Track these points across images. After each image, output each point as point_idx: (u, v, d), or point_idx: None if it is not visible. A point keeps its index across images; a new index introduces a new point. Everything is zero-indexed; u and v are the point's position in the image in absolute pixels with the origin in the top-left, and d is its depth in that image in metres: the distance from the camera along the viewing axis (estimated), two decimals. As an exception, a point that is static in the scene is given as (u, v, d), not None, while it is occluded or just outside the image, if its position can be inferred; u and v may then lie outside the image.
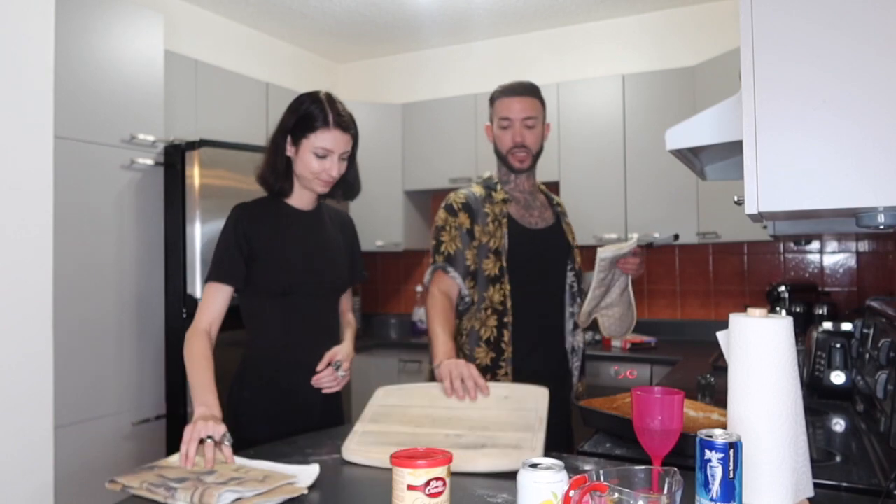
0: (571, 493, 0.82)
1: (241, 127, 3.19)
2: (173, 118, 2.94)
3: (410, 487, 0.92)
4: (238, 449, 1.33)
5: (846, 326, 1.93)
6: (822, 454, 1.38)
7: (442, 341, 1.73)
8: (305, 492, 1.13)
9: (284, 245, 1.67)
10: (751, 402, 0.97)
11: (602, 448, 1.43)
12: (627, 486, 0.86)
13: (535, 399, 1.46)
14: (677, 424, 0.97)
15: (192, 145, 2.73)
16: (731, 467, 0.89)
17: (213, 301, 1.61)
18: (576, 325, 2.00)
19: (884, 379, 1.41)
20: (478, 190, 1.99)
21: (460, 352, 1.89)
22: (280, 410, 1.66)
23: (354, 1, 3.52)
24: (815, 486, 1.02)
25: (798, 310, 2.94)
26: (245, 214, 1.66)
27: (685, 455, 1.08)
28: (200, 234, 2.70)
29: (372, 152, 3.95)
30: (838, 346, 1.87)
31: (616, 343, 3.35)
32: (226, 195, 2.73)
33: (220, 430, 1.30)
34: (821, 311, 2.87)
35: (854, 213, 1.01)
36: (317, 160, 1.62)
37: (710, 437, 0.91)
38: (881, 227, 0.98)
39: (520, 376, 1.85)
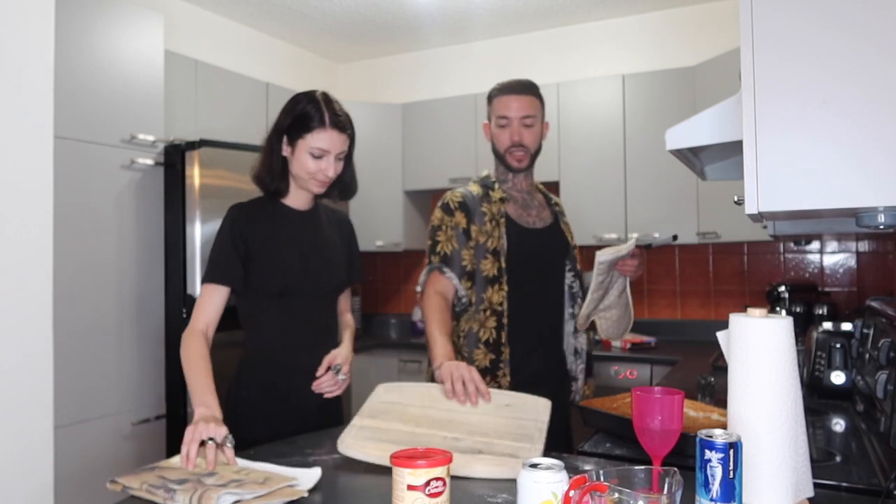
0: (571, 493, 0.82)
1: (240, 127, 3.19)
2: (173, 118, 2.94)
3: (410, 487, 0.92)
4: (236, 450, 1.32)
5: (846, 326, 1.93)
6: (822, 454, 1.38)
7: (440, 342, 1.71)
8: (306, 494, 1.12)
9: (281, 245, 1.65)
10: (751, 402, 0.97)
11: (602, 448, 1.43)
12: (627, 486, 0.86)
13: (536, 410, 1.44)
14: (677, 424, 0.97)
15: (192, 145, 2.73)
16: (731, 467, 0.89)
17: (209, 302, 1.59)
18: (577, 328, 1.99)
19: (884, 379, 1.41)
20: (475, 189, 1.97)
21: (458, 354, 1.87)
22: (278, 412, 1.65)
23: (354, 1, 3.52)
24: (815, 486, 1.02)
25: (798, 310, 2.94)
26: (241, 215, 1.65)
27: (685, 455, 1.08)
28: (200, 234, 2.70)
29: (372, 152, 3.96)
30: (838, 346, 1.87)
31: (616, 343, 3.35)
32: (226, 195, 2.72)
33: (221, 431, 1.29)
34: (821, 311, 2.87)
35: (854, 213, 1.01)
36: (313, 160, 1.61)
37: (710, 437, 0.91)
38: (881, 227, 0.98)
39: (519, 377, 1.84)
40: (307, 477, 1.19)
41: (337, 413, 1.76)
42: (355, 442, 1.33)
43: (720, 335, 1.05)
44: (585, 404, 1.59)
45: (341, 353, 1.71)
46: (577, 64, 3.91)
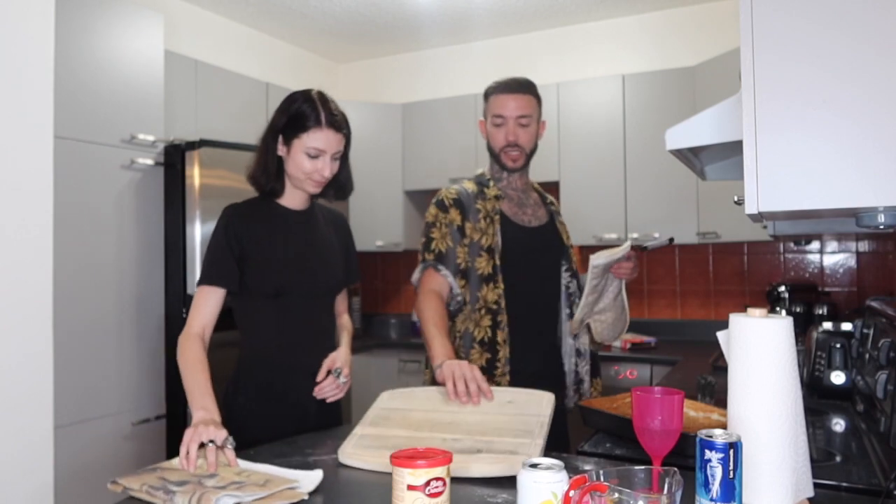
0: (571, 493, 0.82)
1: (240, 127, 3.19)
2: (173, 118, 2.94)
3: (410, 487, 0.92)
4: (235, 451, 1.31)
5: (846, 326, 1.92)
6: (822, 454, 1.38)
7: (439, 341, 1.69)
8: (306, 497, 1.12)
9: (276, 245, 1.64)
10: (751, 402, 0.97)
11: (602, 448, 1.43)
12: (627, 486, 0.86)
13: (538, 404, 1.43)
14: (677, 424, 0.97)
15: (192, 145, 2.73)
16: (731, 467, 0.89)
17: (205, 304, 1.58)
18: (571, 331, 1.96)
19: (884, 379, 1.41)
20: (470, 186, 1.95)
21: (456, 354, 1.86)
22: (276, 413, 1.63)
23: (354, 1, 3.52)
24: (815, 486, 1.02)
25: (798, 310, 2.95)
26: (235, 215, 1.63)
27: (685, 455, 1.08)
28: (200, 234, 2.70)
29: (372, 152, 3.96)
30: (838, 346, 1.87)
31: (616, 343, 3.35)
32: (226, 195, 2.72)
33: (221, 434, 1.28)
34: (821, 311, 2.87)
35: (854, 213, 1.01)
36: (309, 160, 1.59)
37: (710, 437, 0.91)
38: (881, 227, 0.98)
39: (517, 377, 1.82)
40: (308, 479, 1.18)
41: (336, 414, 1.74)
42: (355, 451, 1.32)
43: (720, 335, 1.05)
44: (585, 404, 1.59)
45: (340, 357, 1.69)
46: (577, 64, 3.91)
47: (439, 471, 0.93)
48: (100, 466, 2.43)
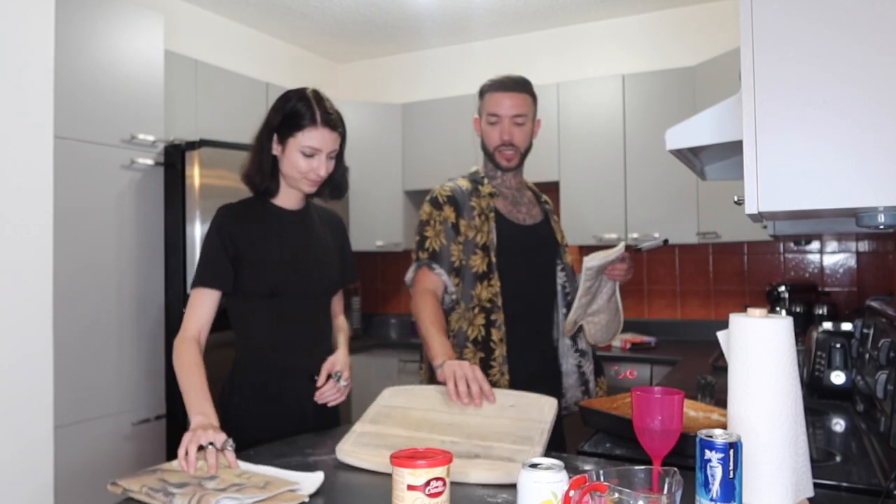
0: (571, 493, 0.82)
1: (240, 127, 3.18)
2: (173, 118, 2.94)
3: (410, 487, 0.92)
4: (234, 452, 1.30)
5: (846, 326, 1.92)
6: (822, 454, 1.38)
7: (438, 340, 1.67)
8: (306, 499, 1.11)
9: (271, 245, 1.62)
10: (751, 402, 0.97)
11: (602, 448, 1.43)
12: (627, 486, 0.86)
13: (539, 410, 1.41)
14: (677, 424, 0.97)
15: (192, 145, 2.73)
16: (731, 467, 0.89)
17: (200, 306, 1.56)
18: (564, 333, 1.94)
19: (884, 379, 1.41)
20: (464, 183, 1.92)
21: (455, 353, 1.82)
22: (272, 415, 1.61)
23: (354, 1, 3.52)
24: (815, 486, 1.02)
25: (798, 310, 2.95)
26: (228, 216, 1.62)
27: (685, 455, 1.08)
28: (200, 234, 2.70)
29: (372, 152, 3.96)
30: (838, 346, 1.87)
31: (616, 343, 3.36)
32: (226, 195, 2.70)
33: (220, 437, 1.28)
34: (821, 311, 2.87)
35: (854, 213, 1.01)
36: (304, 159, 1.57)
37: (710, 437, 0.91)
38: (881, 227, 0.98)
39: (514, 377, 1.81)
40: (309, 481, 1.17)
41: (333, 415, 1.72)
42: (353, 449, 1.31)
43: (720, 335, 1.05)
44: (585, 404, 1.59)
45: (340, 360, 1.67)
46: (577, 64, 3.91)
47: (439, 471, 0.93)
48: (100, 466, 2.43)
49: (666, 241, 1.93)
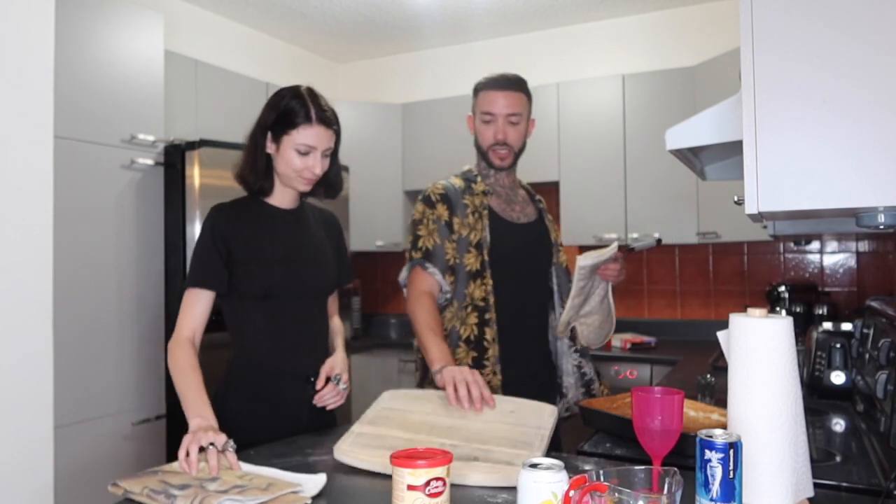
0: (571, 493, 0.82)
1: (240, 127, 3.15)
2: (173, 118, 2.94)
3: (410, 487, 0.92)
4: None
5: (846, 326, 1.92)
6: (822, 454, 1.38)
7: (436, 344, 1.65)
8: (309, 501, 1.10)
9: (265, 246, 1.60)
10: (751, 402, 0.97)
11: (602, 448, 1.43)
12: (627, 486, 0.86)
13: (539, 416, 1.41)
14: (677, 424, 0.97)
15: (192, 145, 2.73)
16: (731, 467, 0.89)
17: (194, 308, 1.53)
18: (557, 334, 1.92)
19: (884, 379, 1.41)
20: (457, 182, 1.90)
21: (453, 358, 1.79)
22: (268, 417, 1.58)
23: (354, 1, 3.52)
24: (815, 486, 1.02)
25: (798, 310, 2.95)
26: (221, 216, 1.59)
27: (685, 455, 1.08)
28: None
29: (372, 152, 3.96)
30: (838, 346, 1.87)
31: (616, 343, 3.36)
32: (226, 195, 2.69)
33: (221, 438, 1.27)
34: (821, 311, 2.87)
35: (854, 213, 1.02)
36: (299, 157, 1.55)
37: (710, 437, 0.91)
38: (881, 227, 0.98)
39: (508, 377, 1.79)
40: (312, 483, 1.16)
41: (330, 417, 1.69)
42: (351, 449, 1.31)
43: (720, 335, 1.05)
44: (585, 404, 1.59)
45: (338, 363, 1.65)
46: (577, 64, 3.91)
47: (439, 471, 0.93)
48: (100, 466, 2.43)
49: (659, 241, 1.92)
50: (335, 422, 1.73)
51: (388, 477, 0.96)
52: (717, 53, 3.23)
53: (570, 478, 0.87)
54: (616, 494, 0.80)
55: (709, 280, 3.60)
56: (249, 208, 1.64)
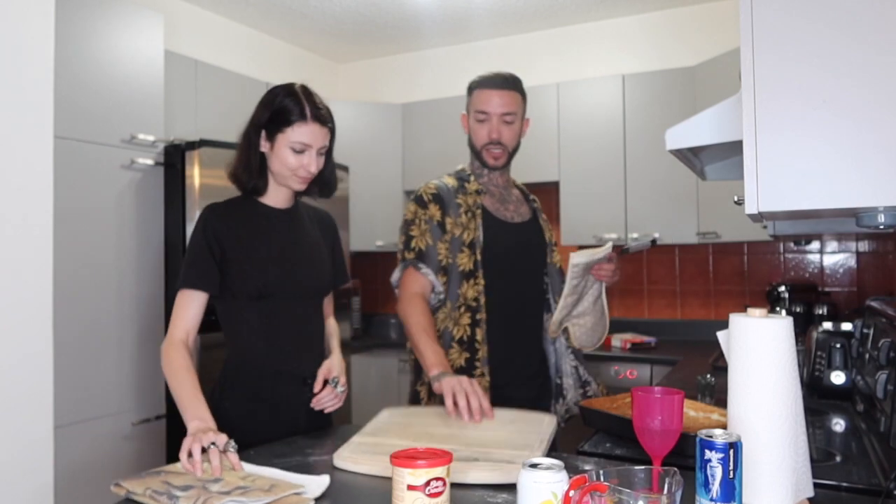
0: (571, 493, 0.82)
1: (240, 127, 3.19)
2: (173, 118, 2.94)
3: (410, 487, 0.92)
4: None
5: (846, 326, 1.92)
6: (822, 454, 1.38)
7: (432, 349, 1.63)
8: (312, 503, 1.10)
9: (260, 246, 1.58)
10: (751, 402, 0.97)
11: (602, 448, 1.43)
12: (627, 486, 0.86)
13: (539, 423, 1.41)
14: (677, 424, 0.97)
15: (192, 145, 2.73)
16: (731, 467, 0.89)
17: (187, 309, 1.52)
18: (549, 335, 1.90)
19: (884, 379, 1.41)
20: (450, 181, 1.89)
21: (447, 361, 1.75)
22: (264, 420, 1.56)
23: (354, 1, 3.52)
24: (815, 486, 1.02)
25: (798, 310, 2.95)
26: (214, 216, 1.57)
27: (685, 455, 1.08)
28: (200, 234, 2.70)
29: (372, 152, 3.96)
30: (838, 346, 1.87)
31: (616, 343, 3.36)
32: (225, 195, 2.71)
33: (222, 438, 1.26)
34: (821, 311, 2.87)
35: (854, 213, 1.02)
36: (294, 155, 1.53)
37: (710, 437, 0.91)
38: (881, 227, 0.98)
39: (498, 379, 1.78)
40: (315, 484, 1.16)
41: (326, 420, 1.68)
42: (351, 455, 1.31)
43: (720, 335, 1.05)
44: (585, 404, 1.59)
45: (335, 365, 1.63)
46: (577, 64, 3.91)
47: (439, 471, 0.93)
48: (100, 466, 2.43)
49: (654, 242, 1.90)
50: (332, 423, 1.71)
51: (390, 478, 0.96)
52: (717, 53, 3.23)
53: (570, 478, 0.87)
54: (616, 494, 0.80)
55: (709, 280, 3.60)
56: (243, 208, 1.62)
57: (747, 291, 3.50)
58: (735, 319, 1.00)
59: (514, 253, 1.88)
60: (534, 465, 0.91)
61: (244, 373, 1.59)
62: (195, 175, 2.71)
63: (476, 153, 1.90)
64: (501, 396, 1.71)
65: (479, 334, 1.78)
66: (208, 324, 1.60)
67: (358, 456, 1.30)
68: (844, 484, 1.18)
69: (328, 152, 1.62)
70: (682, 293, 3.66)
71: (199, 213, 2.67)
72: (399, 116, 4.03)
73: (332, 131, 1.60)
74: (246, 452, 1.35)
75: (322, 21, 3.81)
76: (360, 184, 3.83)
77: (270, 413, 1.58)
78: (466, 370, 1.77)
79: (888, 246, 2.40)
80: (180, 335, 1.50)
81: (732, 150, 1.36)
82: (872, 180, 0.89)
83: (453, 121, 3.85)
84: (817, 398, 1.89)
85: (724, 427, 1.01)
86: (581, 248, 3.56)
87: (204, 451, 1.23)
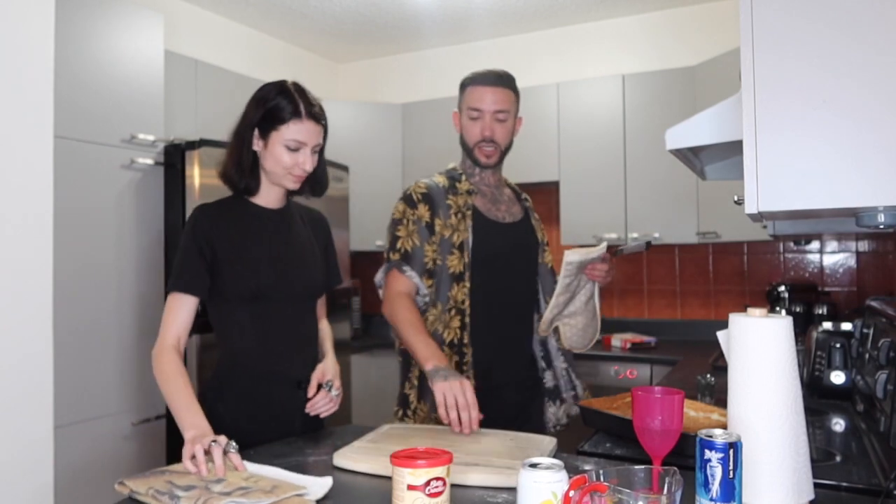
0: (571, 493, 0.82)
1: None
2: (173, 118, 2.94)
3: (410, 487, 0.92)
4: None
5: (846, 326, 1.92)
6: (822, 454, 1.38)
7: (424, 343, 1.60)
8: None
9: (252, 247, 1.55)
10: (751, 402, 0.97)
11: (602, 448, 1.43)
12: (627, 486, 0.86)
13: (539, 442, 1.40)
14: (677, 424, 0.97)
15: (192, 145, 2.73)
16: (731, 467, 0.89)
17: (177, 313, 1.49)
18: (539, 334, 1.88)
19: (884, 379, 1.41)
20: (440, 180, 1.85)
21: (441, 352, 1.72)
22: (258, 424, 1.53)
23: (354, 1, 3.52)
24: (815, 486, 1.02)
25: (798, 310, 2.95)
26: (204, 216, 1.53)
27: (685, 455, 1.08)
28: (200, 234, 2.70)
29: (372, 152, 3.96)
30: (838, 346, 1.87)
31: (616, 343, 3.36)
32: (226, 195, 2.72)
33: (222, 440, 1.25)
34: (821, 311, 2.88)
35: (854, 213, 1.02)
36: (289, 154, 1.50)
37: (710, 437, 0.91)
38: (881, 227, 0.98)
39: (486, 383, 1.75)
40: (318, 486, 1.15)
41: (322, 423, 1.66)
42: (352, 454, 1.31)
43: (720, 335, 1.05)
44: (585, 404, 1.59)
45: (329, 368, 1.61)
46: (577, 64, 3.91)
47: (439, 470, 0.93)
48: (100, 466, 2.43)
49: (648, 244, 1.88)
50: (324, 428, 1.68)
51: (390, 478, 0.96)
52: (717, 53, 3.23)
53: (570, 478, 0.87)
54: (616, 494, 0.80)
55: (709, 280, 3.60)
56: (234, 208, 1.58)
57: (747, 291, 3.50)
58: (735, 319, 1.00)
59: (504, 254, 1.85)
60: (534, 465, 0.91)
61: (237, 375, 1.56)
62: (195, 175, 2.71)
63: (468, 151, 1.87)
64: (493, 399, 1.69)
65: (466, 337, 1.76)
66: (208, 324, 1.59)
67: (358, 455, 1.30)
68: (844, 484, 1.18)
69: (321, 151, 1.60)
70: (682, 293, 3.66)
71: (199, 213, 2.69)
72: (399, 116, 4.03)
73: (325, 129, 1.57)
74: (246, 452, 1.35)
75: (322, 21, 3.81)
76: (360, 184, 3.83)
77: (264, 416, 1.55)
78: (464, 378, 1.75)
79: (888, 246, 2.40)
80: (171, 341, 1.48)
81: (732, 150, 1.36)
82: (872, 180, 0.89)
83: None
84: (817, 398, 1.89)
85: (724, 427, 1.01)
86: (580, 248, 3.56)
87: (206, 452, 1.22)
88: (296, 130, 1.50)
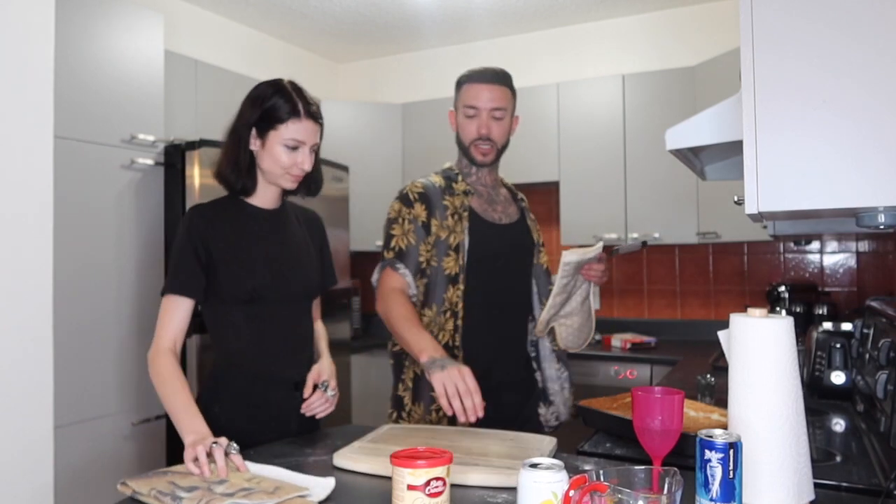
0: (571, 493, 0.82)
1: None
2: (173, 118, 2.94)
3: (410, 487, 0.92)
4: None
5: (846, 326, 1.92)
6: (822, 454, 1.38)
7: (418, 335, 1.57)
8: None
9: (247, 247, 1.53)
10: (751, 402, 0.97)
11: (602, 448, 1.43)
12: (627, 486, 0.86)
13: (539, 442, 1.40)
14: (677, 424, 0.97)
15: (192, 145, 2.73)
16: (731, 467, 0.89)
17: (172, 315, 1.47)
18: (535, 334, 1.86)
19: (884, 379, 1.41)
20: (437, 180, 1.83)
21: (438, 342, 1.68)
22: (254, 425, 1.52)
23: (354, 1, 3.52)
24: (816, 486, 1.02)
25: (798, 310, 2.95)
26: (198, 217, 1.52)
27: (685, 455, 1.08)
28: (200, 234, 2.70)
29: (372, 152, 3.96)
30: (838, 346, 1.87)
31: (616, 343, 3.36)
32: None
33: (223, 441, 1.25)
34: (821, 311, 2.88)
35: (854, 213, 1.02)
36: (287, 153, 1.49)
37: (710, 437, 0.91)
38: (881, 227, 0.98)
39: (483, 383, 1.68)
40: (321, 486, 1.15)
41: (319, 424, 1.65)
42: (351, 454, 1.31)
43: (721, 335, 1.05)
44: (585, 404, 1.59)
45: (325, 369, 1.60)
46: (577, 64, 3.91)
47: (439, 471, 0.93)
48: (100, 466, 2.43)
49: (644, 244, 1.88)
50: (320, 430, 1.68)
51: (390, 478, 0.96)
52: (717, 53, 3.23)
53: (570, 478, 0.87)
54: (616, 494, 0.80)
55: (709, 280, 3.60)
56: (229, 209, 1.57)
57: (747, 291, 3.50)
58: (735, 319, 1.00)
59: (500, 256, 1.83)
60: (534, 465, 0.91)
61: (232, 376, 1.55)
62: (195, 175, 2.71)
63: (464, 150, 1.85)
64: (493, 399, 1.66)
65: (458, 339, 1.74)
66: (203, 326, 1.58)
67: (358, 455, 1.30)
68: (844, 484, 1.18)
69: (317, 150, 1.59)
70: (682, 293, 3.66)
71: (199, 213, 2.69)
72: (399, 116, 4.03)
73: (322, 128, 1.57)
74: (246, 453, 1.35)
75: (322, 21, 3.81)
76: (360, 184, 3.83)
77: (261, 418, 1.54)
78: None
79: (888, 246, 2.40)
80: (167, 343, 1.46)
81: (732, 150, 1.36)
82: (872, 180, 0.89)
83: (453, 121, 3.86)
84: (817, 398, 1.89)
85: (724, 427, 1.01)
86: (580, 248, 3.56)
87: (208, 454, 1.22)
88: (295, 130, 1.49)
